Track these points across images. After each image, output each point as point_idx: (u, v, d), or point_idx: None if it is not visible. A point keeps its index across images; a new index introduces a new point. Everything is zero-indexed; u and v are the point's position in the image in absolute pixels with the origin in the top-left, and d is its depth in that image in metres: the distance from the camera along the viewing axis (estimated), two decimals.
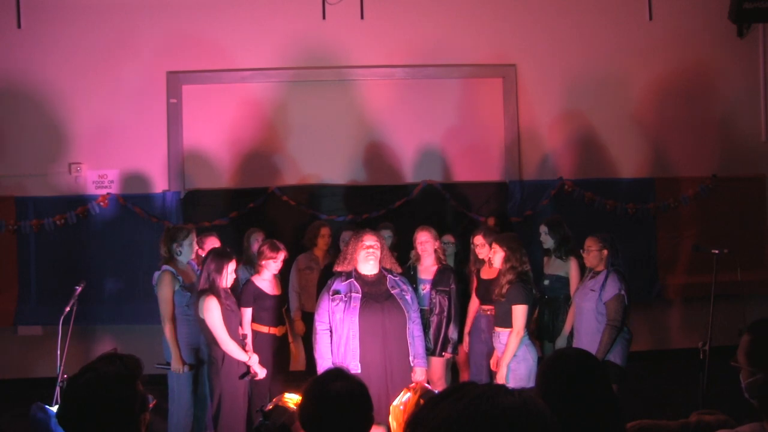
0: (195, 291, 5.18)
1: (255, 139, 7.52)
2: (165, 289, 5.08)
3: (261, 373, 4.88)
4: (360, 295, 4.61)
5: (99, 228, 7.27)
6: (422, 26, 7.62)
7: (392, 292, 4.69)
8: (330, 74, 7.56)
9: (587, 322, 4.95)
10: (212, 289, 4.71)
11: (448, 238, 6.07)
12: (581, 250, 5.13)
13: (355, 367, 4.42)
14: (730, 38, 7.94)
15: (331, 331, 4.64)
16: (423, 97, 7.65)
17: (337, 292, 4.66)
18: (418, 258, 5.50)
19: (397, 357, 4.62)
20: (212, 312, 4.66)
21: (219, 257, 4.81)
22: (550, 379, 2.20)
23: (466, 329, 5.57)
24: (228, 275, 4.78)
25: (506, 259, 4.85)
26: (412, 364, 4.70)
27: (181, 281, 5.14)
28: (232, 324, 4.82)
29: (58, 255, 7.22)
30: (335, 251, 5.96)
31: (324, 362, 4.59)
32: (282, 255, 5.35)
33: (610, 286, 4.87)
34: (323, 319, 4.66)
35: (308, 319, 5.80)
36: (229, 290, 4.89)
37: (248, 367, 4.84)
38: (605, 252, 4.97)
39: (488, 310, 5.32)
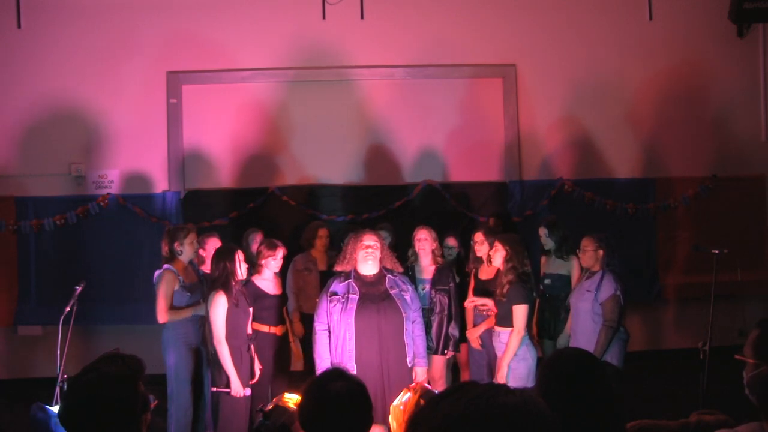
0: (196, 291, 5.20)
1: (255, 139, 7.52)
2: (165, 286, 5.10)
3: (237, 391, 4.66)
4: (357, 296, 4.61)
5: (99, 228, 7.26)
6: (422, 26, 7.62)
7: (391, 292, 4.68)
8: (330, 74, 7.56)
9: (583, 323, 4.95)
10: (224, 285, 4.69)
11: (452, 241, 6.02)
12: (578, 250, 5.14)
13: (351, 368, 4.41)
14: (730, 38, 7.93)
15: (329, 332, 4.65)
16: (423, 97, 7.65)
17: (334, 294, 4.66)
18: (416, 257, 5.50)
19: (393, 358, 4.61)
20: (217, 308, 4.64)
21: (227, 251, 4.84)
22: (550, 379, 2.20)
23: (468, 331, 5.52)
24: (241, 263, 4.79)
25: (507, 259, 4.85)
26: (410, 365, 4.69)
27: (181, 281, 5.14)
28: (241, 322, 4.80)
29: (58, 255, 7.23)
30: (336, 252, 5.95)
31: (322, 363, 4.60)
32: (281, 252, 5.37)
33: (605, 286, 4.87)
34: (322, 320, 4.67)
35: (306, 320, 5.78)
36: (242, 287, 4.88)
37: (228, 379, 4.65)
38: (601, 252, 4.96)
39: (485, 310, 5.32)
